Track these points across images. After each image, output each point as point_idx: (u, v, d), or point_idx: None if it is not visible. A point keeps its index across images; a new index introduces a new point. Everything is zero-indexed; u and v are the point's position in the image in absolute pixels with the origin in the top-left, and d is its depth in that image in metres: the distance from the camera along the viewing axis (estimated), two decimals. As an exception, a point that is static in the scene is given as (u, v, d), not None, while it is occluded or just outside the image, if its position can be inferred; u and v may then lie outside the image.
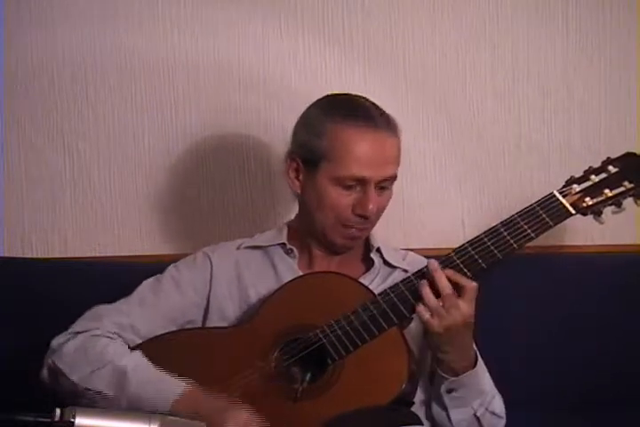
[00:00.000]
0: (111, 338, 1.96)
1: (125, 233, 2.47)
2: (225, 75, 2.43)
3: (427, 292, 1.86)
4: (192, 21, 2.43)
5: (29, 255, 2.48)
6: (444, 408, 1.94)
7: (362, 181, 1.95)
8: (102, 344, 1.94)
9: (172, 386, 1.86)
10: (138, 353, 1.93)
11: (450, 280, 1.86)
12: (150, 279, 2.07)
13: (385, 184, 1.98)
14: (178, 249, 2.44)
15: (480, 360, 1.94)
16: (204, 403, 1.83)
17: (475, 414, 1.93)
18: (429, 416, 1.98)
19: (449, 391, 1.92)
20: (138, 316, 2.00)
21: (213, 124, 2.44)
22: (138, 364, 1.91)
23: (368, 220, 1.98)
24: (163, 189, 2.46)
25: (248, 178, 2.44)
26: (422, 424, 1.87)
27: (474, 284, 1.86)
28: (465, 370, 1.90)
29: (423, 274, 1.89)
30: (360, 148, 1.94)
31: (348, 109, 1.99)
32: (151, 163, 2.46)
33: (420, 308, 1.85)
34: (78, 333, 1.97)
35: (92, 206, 2.48)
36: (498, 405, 1.95)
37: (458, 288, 1.85)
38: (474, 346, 1.93)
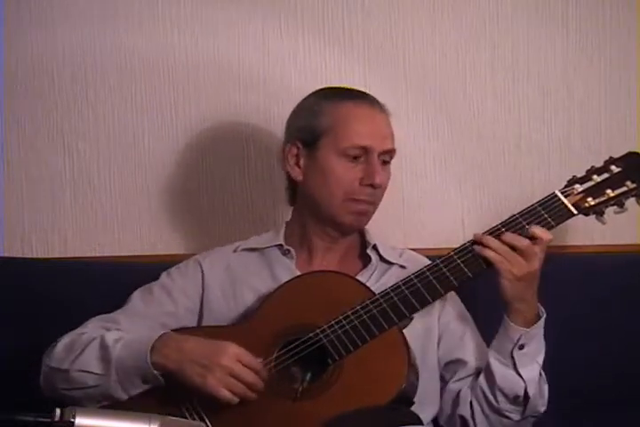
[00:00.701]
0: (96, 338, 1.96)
1: (125, 233, 2.47)
2: (225, 74, 2.43)
3: (498, 243, 1.87)
4: (192, 21, 2.43)
5: (29, 255, 2.48)
6: (515, 368, 1.91)
7: (365, 151, 1.98)
8: (88, 337, 1.95)
9: (149, 338, 1.88)
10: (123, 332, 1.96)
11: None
12: (140, 289, 2.07)
13: (386, 157, 2.02)
14: (178, 249, 2.44)
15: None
16: (186, 343, 1.86)
17: (540, 371, 1.94)
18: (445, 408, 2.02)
19: (521, 348, 1.91)
20: (128, 325, 2.00)
21: (213, 124, 2.44)
22: (121, 336, 1.93)
23: (376, 191, 2.00)
24: (162, 190, 2.46)
25: (248, 178, 2.44)
26: (422, 424, 1.86)
27: (550, 236, 1.88)
28: (536, 320, 1.91)
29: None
30: (359, 120, 2.00)
31: (342, 91, 2.08)
32: (151, 163, 2.46)
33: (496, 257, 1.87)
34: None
35: (92, 206, 2.48)
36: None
37: (534, 240, 1.87)
38: None
